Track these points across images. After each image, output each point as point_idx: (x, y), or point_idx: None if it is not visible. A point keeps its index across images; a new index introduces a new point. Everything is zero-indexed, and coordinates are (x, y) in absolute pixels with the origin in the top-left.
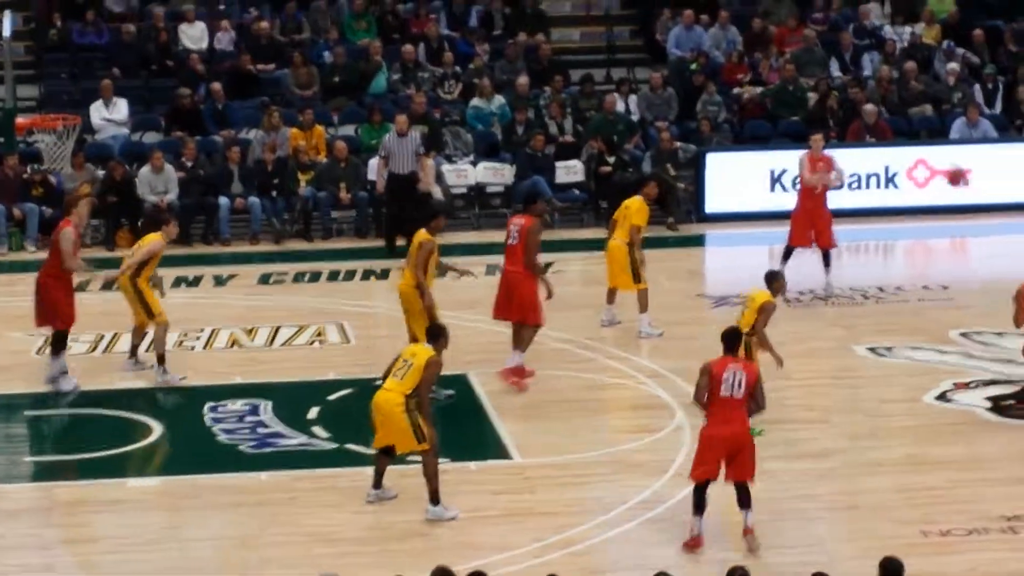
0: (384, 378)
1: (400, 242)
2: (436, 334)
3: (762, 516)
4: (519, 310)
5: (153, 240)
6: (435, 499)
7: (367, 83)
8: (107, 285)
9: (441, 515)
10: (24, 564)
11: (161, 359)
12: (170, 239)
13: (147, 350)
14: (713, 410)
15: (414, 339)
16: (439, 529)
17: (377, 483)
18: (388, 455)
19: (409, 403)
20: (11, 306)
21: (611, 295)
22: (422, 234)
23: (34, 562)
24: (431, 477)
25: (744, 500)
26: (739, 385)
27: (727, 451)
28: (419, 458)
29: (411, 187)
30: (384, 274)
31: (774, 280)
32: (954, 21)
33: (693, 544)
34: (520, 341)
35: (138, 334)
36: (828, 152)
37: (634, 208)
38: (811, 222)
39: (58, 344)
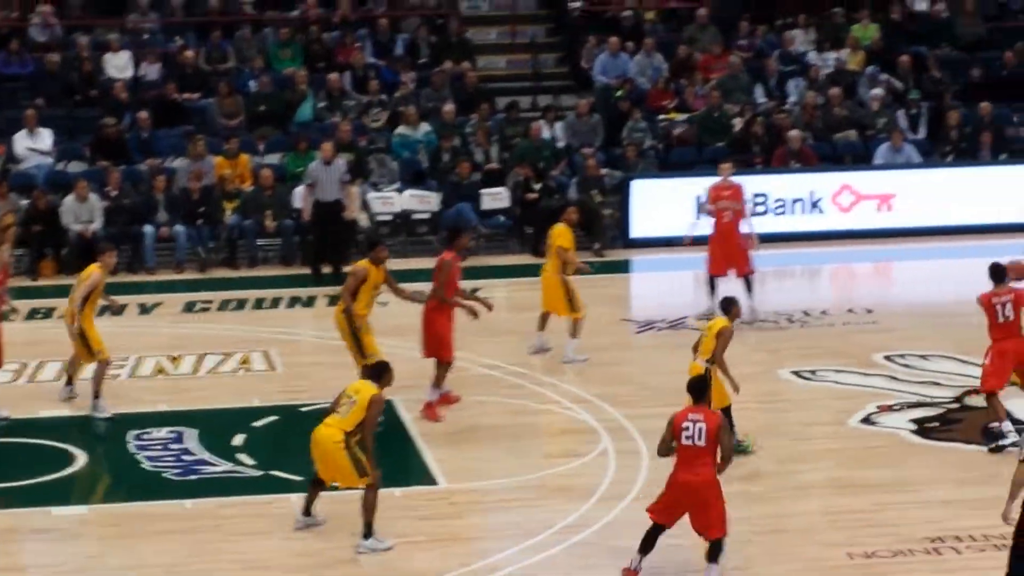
0: (327, 413)
1: (326, 269)
2: (379, 372)
3: (692, 539)
4: (431, 346)
5: (92, 272)
6: (368, 533)
7: (293, 111)
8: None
9: (375, 547)
10: None
11: (97, 394)
12: (109, 269)
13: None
14: (680, 457)
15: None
16: (367, 556)
17: (307, 510)
18: (320, 484)
19: (349, 440)
20: None
21: (542, 321)
22: (361, 263)
23: None
24: (368, 510)
25: (710, 554)
26: (699, 435)
27: (690, 499)
28: (348, 488)
29: (337, 215)
30: (310, 302)
31: (731, 306)
32: (878, 48)
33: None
34: (435, 377)
35: (75, 364)
36: (736, 180)
37: (556, 232)
38: (724, 251)
39: None
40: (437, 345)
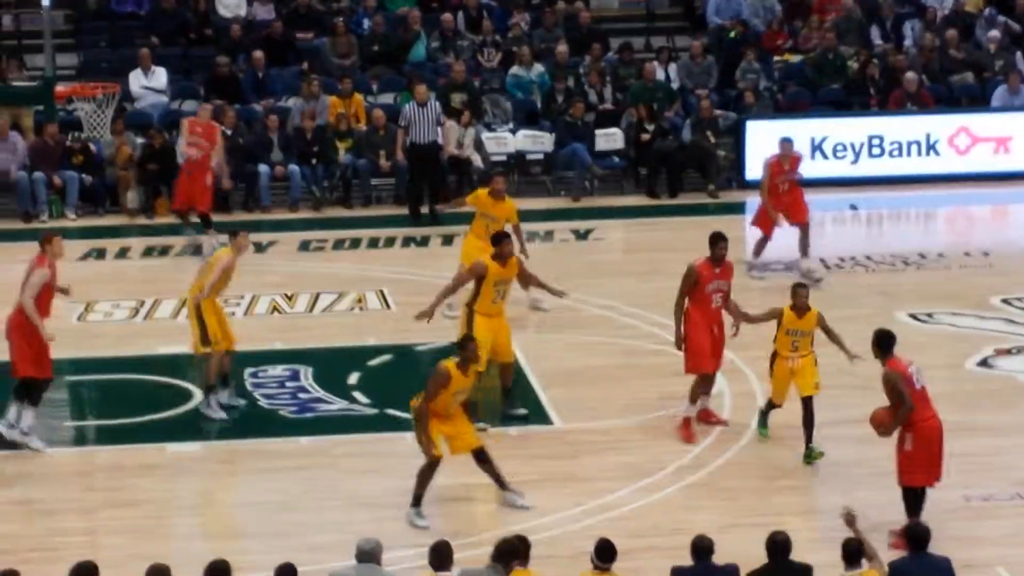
0: None
1: (424, 210)
2: (463, 344)
3: (806, 481)
4: (688, 361)
5: (222, 256)
6: (417, 502)
7: (406, 52)
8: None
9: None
10: (65, 528)
11: (209, 390)
12: (241, 253)
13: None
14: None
15: None
16: (479, 493)
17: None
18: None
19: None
20: None
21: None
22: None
23: (76, 526)
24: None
25: None
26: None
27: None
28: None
29: (433, 156)
30: (424, 241)
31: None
32: None
33: None
34: (691, 391)
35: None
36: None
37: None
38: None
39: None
40: (690, 357)
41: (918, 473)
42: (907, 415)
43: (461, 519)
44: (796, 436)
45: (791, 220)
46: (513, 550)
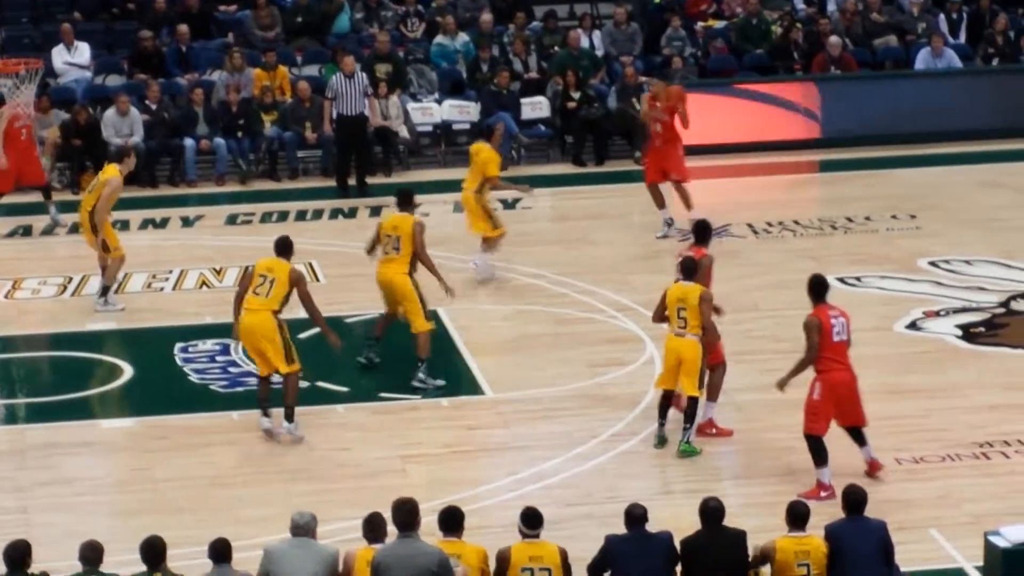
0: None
1: (351, 182)
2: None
3: (736, 447)
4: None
5: (112, 176)
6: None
7: (330, 23)
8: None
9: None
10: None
11: (106, 291)
12: (127, 172)
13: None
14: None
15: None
16: (414, 465)
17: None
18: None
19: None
20: None
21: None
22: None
23: (8, 504)
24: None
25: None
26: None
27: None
28: (396, 397)
29: (360, 128)
30: (352, 213)
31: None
32: None
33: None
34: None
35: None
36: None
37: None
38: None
39: None
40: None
41: (820, 422)
42: (804, 365)
43: (394, 492)
44: (728, 401)
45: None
46: (460, 518)
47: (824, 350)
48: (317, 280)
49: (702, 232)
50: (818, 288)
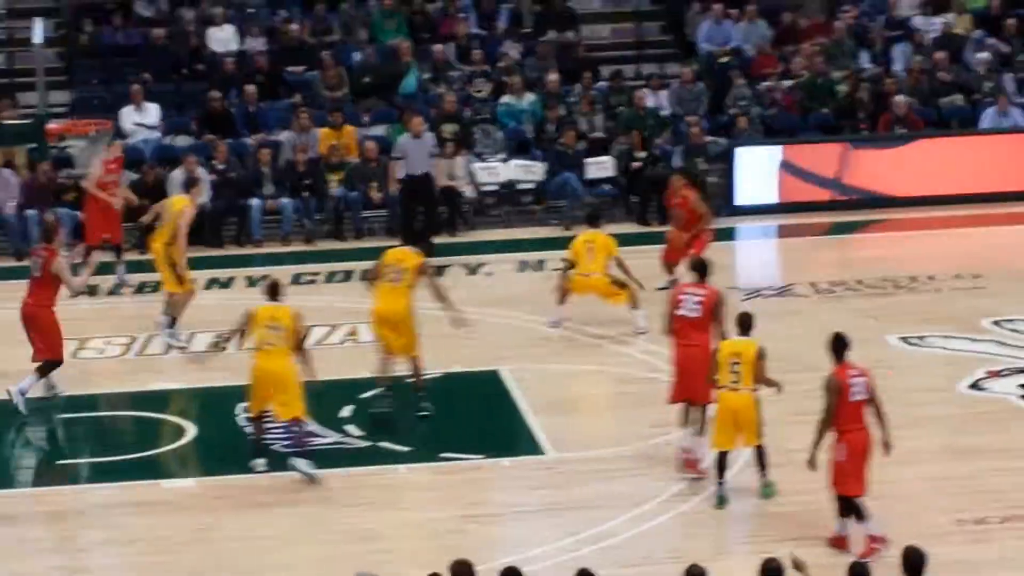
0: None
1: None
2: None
3: (804, 508)
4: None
5: (185, 206)
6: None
7: (397, 83)
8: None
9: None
10: (61, 566)
11: (173, 322)
12: (197, 201)
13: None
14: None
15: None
16: (474, 526)
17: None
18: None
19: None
20: None
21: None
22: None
23: (71, 564)
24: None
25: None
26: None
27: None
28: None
29: (427, 188)
30: None
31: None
32: (985, 11)
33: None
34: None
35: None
36: None
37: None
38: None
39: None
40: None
41: (850, 483)
42: (823, 428)
43: (454, 552)
44: (787, 462)
45: None
46: None
47: (841, 408)
48: None
49: (702, 269)
50: (837, 346)
